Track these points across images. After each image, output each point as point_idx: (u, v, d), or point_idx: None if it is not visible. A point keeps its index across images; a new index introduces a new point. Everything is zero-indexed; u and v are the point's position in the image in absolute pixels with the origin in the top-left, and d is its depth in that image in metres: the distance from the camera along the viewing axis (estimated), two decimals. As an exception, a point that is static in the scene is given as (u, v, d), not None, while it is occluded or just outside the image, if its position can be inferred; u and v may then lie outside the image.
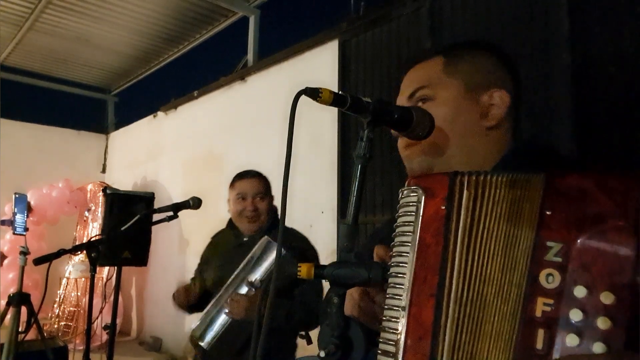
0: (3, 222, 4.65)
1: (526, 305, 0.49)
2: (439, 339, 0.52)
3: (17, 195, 4.12)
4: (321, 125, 3.25)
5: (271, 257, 1.65)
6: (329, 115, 3.19)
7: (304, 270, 0.61)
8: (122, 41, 5.16)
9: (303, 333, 1.79)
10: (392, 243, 0.60)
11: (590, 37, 1.99)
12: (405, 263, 0.57)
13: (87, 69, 6.08)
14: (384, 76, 2.95)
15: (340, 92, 0.63)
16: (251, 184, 1.92)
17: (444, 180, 0.58)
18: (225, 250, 1.96)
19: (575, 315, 0.45)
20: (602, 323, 0.44)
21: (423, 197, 0.58)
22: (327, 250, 3.17)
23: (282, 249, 1.67)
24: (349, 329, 0.60)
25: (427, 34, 2.67)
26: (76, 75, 6.29)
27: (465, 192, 0.56)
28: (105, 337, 3.71)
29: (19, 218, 3.87)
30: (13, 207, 4.03)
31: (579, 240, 0.48)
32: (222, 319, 1.67)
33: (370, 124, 0.65)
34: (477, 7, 2.44)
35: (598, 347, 0.44)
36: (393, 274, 0.58)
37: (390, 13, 2.92)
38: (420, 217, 0.57)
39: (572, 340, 0.45)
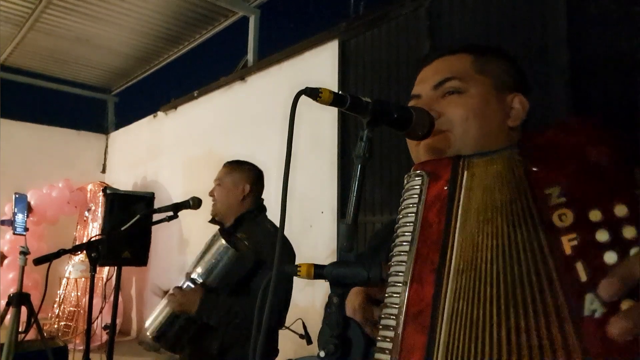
0: (3, 222, 4.65)
1: (553, 249, 0.50)
2: (438, 312, 0.54)
3: (17, 195, 4.13)
4: (321, 125, 3.25)
5: (216, 256, 1.69)
6: (329, 115, 3.19)
7: (304, 270, 0.61)
8: (122, 41, 5.16)
9: (303, 333, 1.79)
10: (396, 225, 0.62)
11: (588, 37, 1.99)
12: (408, 242, 0.59)
13: (87, 69, 6.09)
14: (384, 76, 2.95)
15: (340, 92, 0.63)
16: (219, 172, 1.98)
17: (447, 163, 0.62)
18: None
19: (602, 236, 0.47)
20: (628, 232, 0.46)
21: (427, 180, 0.62)
22: (327, 250, 3.18)
23: (229, 246, 1.67)
24: (348, 329, 0.60)
25: (426, 34, 2.67)
26: (76, 75, 6.29)
27: (465, 173, 0.60)
28: (105, 337, 3.71)
29: (19, 218, 3.88)
30: (13, 207, 4.04)
31: (571, 175, 0.52)
32: (165, 310, 1.71)
33: (370, 124, 0.65)
34: (476, 7, 2.45)
35: (635, 252, 0.46)
36: (395, 253, 0.59)
37: (390, 13, 2.92)
38: (424, 198, 0.61)
39: (609, 257, 0.46)
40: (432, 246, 0.57)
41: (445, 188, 0.60)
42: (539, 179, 0.54)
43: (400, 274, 0.58)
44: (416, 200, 0.61)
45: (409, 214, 0.61)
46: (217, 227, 1.95)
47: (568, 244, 0.49)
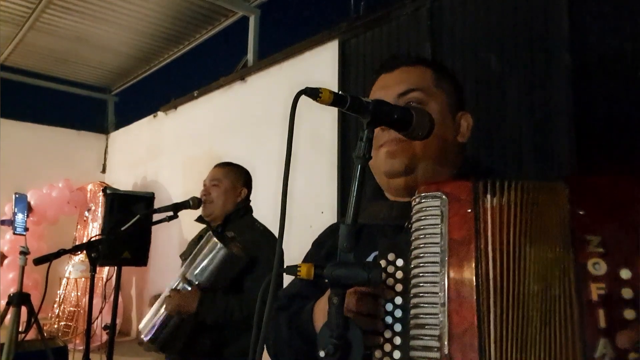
0: (3, 222, 4.65)
1: (580, 291, 0.54)
2: (484, 331, 0.55)
3: (17, 195, 4.12)
4: (321, 125, 3.25)
5: (211, 257, 1.69)
6: (329, 115, 3.19)
7: (304, 270, 0.61)
8: (122, 41, 5.16)
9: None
10: (412, 246, 0.62)
11: (589, 38, 1.99)
12: (435, 262, 0.60)
13: (87, 69, 6.08)
14: (384, 76, 2.94)
15: (340, 92, 0.63)
16: (213, 172, 1.98)
17: (467, 185, 0.63)
18: (192, 243, 1.99)
19: (627, 294, 0.52)
20: None
21: (447, 201, 0.62)
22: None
23: (223, 246, 1.67)
24: (348, 329, 0.60)
25: (426, 34, 2.67)
26: (76, 75, 6.29)
27: (488, 196, 0.61)
28: (105, 337, 3.71)
29: (19, 218, 3.87)
30: (13, 207, 4.04)
31: (613, 229, 0.55)
32: (161, 312, 1.71)
33: (370, 124, 0.65)
34: (477, 7, 2.45)
35: None
36: (421, 274, 0.60)
37: (390, 13, 2.92)
38: (447, 219, 0.61)
39: (629, 314, 0.51)
40: (464, 265, 0.58)
41: (469, 210, 0.61)
42: (583, 223, 0.56)
43: (430, 295, 0.59)
44: (438, 221, 0.62)
45: (432, 234, 0.61)
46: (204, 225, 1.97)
47: (596, 291, 0.53)
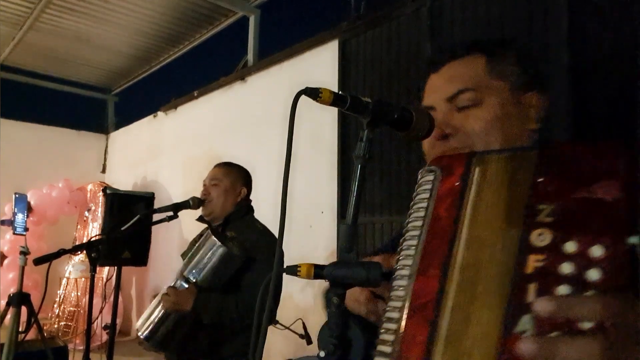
0: (3, 222, 4.65)
1: (518, 264, 0.51)
2: (441, 305, 0.54)
3: (17, 195, 4.12)
4: (321, 125, 3.25)
5: (210, 256, 1.69)
6: (329, 115, 3.19)
7: (304, 270, 0.61)
8: (122, 41, 5.16)
9: (303, 333, 1.79)
10: (407, 219, 0.61)
11: (589, 37, 1.99)
12: (417, 236, 0.59)
13: (87, 69, 6.09)
14: (384, 76, 2.95)
15: (340, 92, 0.63)
16: (212, 172, 1.98)
17: (461, 158, 0.61)
18: (193, 242, 2.00)
19: (566, 268, 0.47)
20: (593, 275, 0.45)
21: (440, 175, 0.61)
22: (327, 250, 3.17)
23: (222, 245, 1.68)
24: (348, 329, 0.60)
25: (427, 34, 2.67)
26: (76, 75, 6.29)
27: (477, 169, 0.59)
28: (105, 337, 3.71)
29: (19, 218, 3.87)
30: (13, 207, 4.04)
31: (569, 200, 0.50)
32: (158, 310, 1.72)
33: (370, 124, 0.65)
34: (477, 7, 2.45)
35: (589, 294, 0.45)
36: (404, 247, 0.59)
37: (390, 13, 2.92)
38: (436, 193, 0.60)
39: (562, 290, 0.46)
40: (440, 240, 0.57)
41: (457, 183, 0.59)
42: (539, 191, 0.53)
43: (407, 267, 0.58)
44: (427, 195, 0.61)
45: (420, 209, 0.61)
46: (205, 225, 1.97)
47: (533, 264, 0.49)
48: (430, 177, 0.62)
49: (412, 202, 0.62)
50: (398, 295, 0.57)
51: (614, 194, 0.48)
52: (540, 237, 0.50)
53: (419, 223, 0.60)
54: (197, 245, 1.78)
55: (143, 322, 1.75)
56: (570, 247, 0.48)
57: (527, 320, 0.47)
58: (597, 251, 0.46)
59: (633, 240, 0.46)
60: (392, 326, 0.55)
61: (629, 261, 0.45)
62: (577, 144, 0.55)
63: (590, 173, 0.51)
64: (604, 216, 0.48)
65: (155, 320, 1.71)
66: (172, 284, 1.74)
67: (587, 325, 0.42)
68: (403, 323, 0.55)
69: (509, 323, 0.48)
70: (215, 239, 1.70)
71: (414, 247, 0.58)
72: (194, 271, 1.71)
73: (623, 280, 0.44)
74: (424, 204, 0.60)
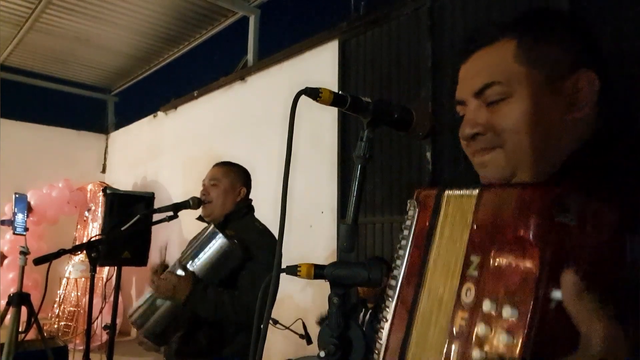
0: (3, 222, 4.65)
1: (452, 319, 0.50)
2: (406, 354, 0.57)
3: (17, 195, 4.12)
4: (321, 125, 3.25)
5: (210, 245, 1.69)
6: (329, 115, 3.19)
7: (304, 270, 0.61)
8: (122, 41, 5.16)
9: (303, 333, 1.79)
10: (398, 245, 0.63)
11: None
12: (396, 277, 0.61)
13: (87, 69, 6.08)
14: (384, 76, 2.95)
15: (340, 92, 0.63)
16: (212, 171, 1.97)
17: (432, 195, 0.61)
18: (192, 240, 2.01)
19: (481, 330, 0.45)
20: (502, 339, 0.43)
21: (417, 212, 0.62)
22: (327, 250, 3.17)
23: (228, 241, 1.67)
24: (348, 329, 0.60)
25: (427, 34, 2.67)
26: (76, 75, 6.29)
27: (442, 210, 0.58)
28: (105, 337, 3.71)
29: (19, 218, 3.87)
30: (13, 207, 4.04)
31: (490, 254, 0.47)
32: (151, 298, 1.71)
33: (370, 124, 0.65)
34: (477, 7, 2.45)
35: None
36: (389, 285, 0.62)
37: (390, 13, 2.92)
38: (413, 233, 0.61)
39: (477, 354, 0.45)
40: (410, 287, 0.59)
41: (427, 223, 0.60)
42: (473, 240, 0.51)
43: (388, 311, 0.60)
44: (407, 233, 0.62)
45: (402, 247, 0.62)
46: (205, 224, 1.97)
47: (459, 321, 0.48)
48: (411, 213, 0.63)
49: (400, 236, 0.63)
50: (380, 338, 0.60)
51: (528, 249, 0.44)
52: (467, 293, 0.49)
53: (400, 263, 0.61)
54: (198, 235, 1.79)
55: (136, 308, 1.73)
56: (487, 306, 0.45)
57: None
58: (507, 312, 0.43)
59: (556, 295, 0.42)
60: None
61: (553, 320, 0.42)
62: (507, 187, 0.53)
63: (508, 224, 0.46)
64: (519, 274, 0.44)
65: (148, 308, 1.70)
66: (170, 270, 1.74)
67: None
68: (388, 324, 0.59)
69: None
70: (216, 229, 1.70)
71: (393, 291, 0.61)
72: (192, 259, 1.70)
73: (530, 347, 0.41)
74: (405, 242, 0.62)
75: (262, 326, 0.62)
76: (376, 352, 0.59)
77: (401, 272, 0.60)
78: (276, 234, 0.65)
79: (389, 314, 0.59)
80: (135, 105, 6.78)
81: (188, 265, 1.70)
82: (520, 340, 0.41)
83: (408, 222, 0.62)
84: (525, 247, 0.44)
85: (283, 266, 0.64)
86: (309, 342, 1.74)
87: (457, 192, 0.57)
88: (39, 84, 6.26)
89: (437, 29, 2.63)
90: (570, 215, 0.43)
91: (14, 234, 3.91)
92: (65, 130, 6.51)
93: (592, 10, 2.00)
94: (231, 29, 4.72)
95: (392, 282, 0.60)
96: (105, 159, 6.75)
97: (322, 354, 0.58)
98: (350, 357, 0.59)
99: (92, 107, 6.97)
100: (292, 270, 0.61)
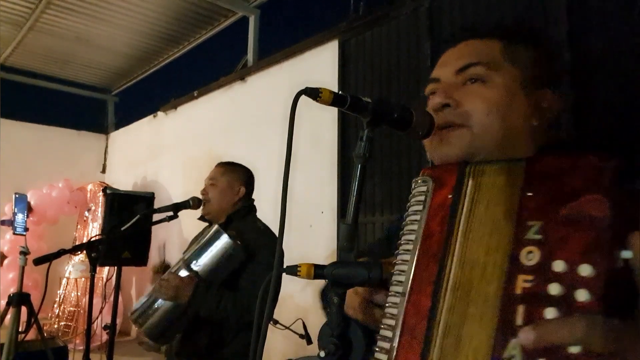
0: (3, 222, 4.65)
1: (507, 284, 0.49)
2: (433, 324, 0.53)
3: (17, 195, 4.12)
4: (321, 125, 3.25)
5: (214, 246, 1.69)
6: (329, 115, 3.19)
7: (304, 270, 0.61)
8: (122, 41, 5.16)
9: (303, 333, 1.79)
10: (401, 232, 0.60)
11: (589, 36, 1.99)
12: (409, 250, 0.58)
13: (87, 69, 6.09)
14: (384, 76, 2.95)
15: (340, 92, 0.63)
16: (212, 171, 1.98)
17: (453, 169, 0.59)
18: (194, 239, 2.01)
19: (554, 289, 0.45)
20: (581, 295, 0.43)
21: (432, 187, 0.60)
22: (327, 250, 3.17)
23: (232, 241, 1.68)
24: (348, 329, 0.60)
25: (426, 34, 2.67)
26: (76, 75, 6.29)
27: (470, 181, 0.57)
28: (105, 337, 3.71)
29: (19, 218, 3.87)
30: (13, 207, 4.04)
31: (557, 216, 0.48)
32: (152, 298, 1.71)
33: (370, 124, 0.65)
34: (476, 7, 2.45)
35: (575, 317, 0.43)
36: (398, 261, 0.59)
37: (390, 13, 2.92)
38: (428, 207, 0.59)
39: (550, 313, 0.45)
40: (432, 257, 0.56)
41: (450, 196, 0.57)
42: (528, 207, 0.51)
43: (400, 284, 0.57)
44: (421, 207, 0.59)
45: (413, 222, 0.59)
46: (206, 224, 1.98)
47: (521, 284, 0.48)
48: (423, 188, 0.60)
49: (406, 214, 0.61)
50: (392, 313, 0.56)
51: (602, 209, 0.46)
52: (529, 256, 0.48)
53: (412, 237, 0.58)
54: (201, 236, 1.79)
55: (137, 307, 1.74)
56: (558, 266, 0.46)
57: (514, 345, 0.46)
58: (585, 270, 0.44)
59: (626, 254, 0.44)
60: (386, 345, 0.55)
61: (624, 278, 0.44)
62: (563, 155, 0.53)
63: (577, 187, 0.49)
64: (593, 232, 0.45)
65: (150, 307, 1.71)
66: (174, 270, 1.74)
67: (574, 349, 0.41)
68: (395, 343, 0.54)
69: (498, 347, 0.47)
70: (219, 228, 1.71)
71: (406, 263, 0.57)
72: (195, 260, 1.71)
73: (615, 300, 0.42)
74: (417, 217, 0.59)
75: (262, 326, 0.62)
76: (384, 326, 0.56)
77: (416, 247, 0.57)
78: (276, 234, 0.65)
79: (401, 286, 0.56)
80: (135, 105, 6.78)
81: (192, 265, 1.70)
82: (598, 296, 0.43)
83: (419, 198, 0.60)
84: (597, 210, 0.46)
85: (283, 266, 0.64)
86: (309, 342, 1.74)
87: (489, 164, 0.57)
88: (39, 84, 6.26)
89: (436, 28, 2.63)
90: (638, 182, 0.48)
91: (14, 234, 3.91)
92: (65, 130, 6.51)
93: (590, 9, 2.00)
94: (231, 29, 4.73)
95: (404, 257, 0.58)
96: (105, 159, 6.75)
97: (322, 353, 0.58)
98: (350, 357, 0.59)
99: (92, 107, 6.97)
100: (292, 270, 0.61)
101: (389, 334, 0.55)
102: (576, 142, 0.84)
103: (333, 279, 0.60)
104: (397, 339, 0.54)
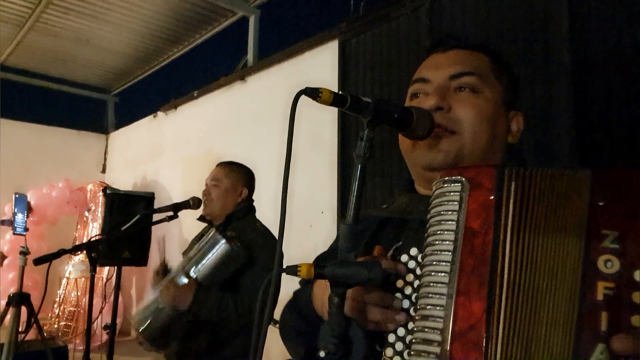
0: (3, 222, 4.65)
1: (585, 290, 0.49)
2: (492, 328, 0.52)
3: (17, 195, 4.13)
4: (321, 125, 3.25)
5: (212, 252, 1.69)
6: (329, 115, 3.19)
7: (304, 270, 0.61)
8: (122, 41, 5.16)
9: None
10: (427, 233, 0.59)
11: (590, 36, 1.99)
12: (449, 251, 0.56)
13: (87, 69, 6.08)
14: (384, 76, 2.95)
15: (340, 92, 0.63)
16: (214, 171, 1.98)
17: (490, 171, 0.58)
18: (194, 240, 2.00)
19: (638, 298, 0.46)
20: None
21: (468, 187, 0.58)
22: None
23: (231, 246, 1.68)
24: (349, 328, 0.60)
25: (426, 35, 2.67)
26: (76, 75, 6.29)
27: (513, 183, 0.56)
28: (105, 337, 3.71)
29: (19, 218, 3.87)
30: (13, 207, 4.04)
31: (635, 227, 0.49)
32: (154, 304, 1.71)
33: (370, 124, 0.65)
34: (477, 7, 2.44)
35: None
36: (434, 262, 0.57)
37: (390, 13, 2.92)
38: (466, 206, 0.57)
39: (637, 320, 0.46)
40: (479, 257, 0.54)
41: (492, 197, 0.56)
42: (601, 216, 0.52)
43: (440, 285, 0.55)
44: (455, 207, 0.57)
45: (447, 221, 0.57)
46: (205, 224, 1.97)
47: (602, 291, 0.48)
48: (457, 188, 0.58)
49: (433, 213, 0.59)
50: (436, 315, 0.54)
51: None
52: (608, 264, 0.49)
53: (448, 237, 0.56)
54: (200, 241, 1.79)
55: (139, 313, 1.75)
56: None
57: (601, 349, 0.47)
58: None
59: None
60: (435, 349, 0.53)
61: None
62: (629, 169, 0.54)
63: None
64: None
65: (151, 313, 1.71)
66: (172, 277, 1.74)
67: None
68: (448, 346, 0.52)
69: (582, 351, 0.48)
70: (219, 236, 1.70)
71: (447, 263, 0.55)
72: (195, 267, 1.71)
73: None
74: (453, 217, 0.57)
75: (262, 326, 0.62)
76: (428, 329, 0.54)
77: (458, 247, 0.56)
78: (276, 234, 0.65)
79: (445, 288, 0.54)
80: (135, 105, 6.77)
81: (191, 272, 1.70)
82: None
83: (453, 197, 0.58)
84: None
85: (283, 266, 0.64)
86: (309, 342, 1.74)
87: (539, 169, 0.57)
88: (39, 84, 6.26)
89: (437, 29, 2.63)
90: None
91: (14, 234, 3.91)
92: (65, 130, 6.50)
93: (592, 9, 2.00)
94: (231, 29, 4.72)
95: (441, 257, 0.56)
96: (105, 159, 6.75)
97: (322, 353, 0.58)
98: (350, 357, 0.59)
99: (92, 107, 6.96)
100: (292, 270, 0.61)
101: (436, 337, 0.54)
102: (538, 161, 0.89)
103: (333, 279, 0.60)
104: (448, 343, 0.53)
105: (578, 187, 0.54)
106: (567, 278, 0.51)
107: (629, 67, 1.86)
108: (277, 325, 1.75)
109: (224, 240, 1.68)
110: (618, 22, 1.91)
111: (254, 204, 2.03)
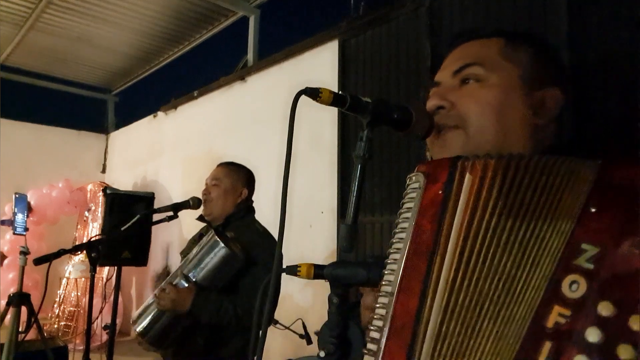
0: (3, 222, 4.66)
1: (540, 311, 0.42)
2: (420, 328, 0.48)
3: (17, 195, 4.13)
4: (321, 125, 3.25)
5: (211, 256, 1.69)
6: (329, 115, 3.19)
7: (304, 270, 0.61)
8: (122, 41, 5.16)
9: (303, 333, 1.79)
10: (394, 230, 0.58)
11: (589, 38, 1.99)
12: (399, 249, 0.54)
13: (87, 69, 6.08)
14: (384, 76, 2.95)
15: (340, 92, 0.63)
16: (214, 171, 1.97)
17: (444, 164, 0.55)
18: (192, 240, 2.00)
19: (592, 335, 0.38)
20: (624, 352, 0.36)
21: (424, 183, 0.56)
22: (327, 250, 3.17)
23: (230, 250, 1.68)
24: (348, 329, 0.60)
25: (426, 34, 2.67)
26: (76, 75, 6.29)
27: (468, 175, 0.52)
28: (105, 337, 3.71)
29: (19, 218, 3.87)
30: (13, 207, 4.04)
31: (619, 247, 0.40)
32: (153, 307, 1.71)
33: (370, 124, 0.65)
34: (477, 7, 2.45)
35: None
36: (389, 260, 0.55)
37: (390, 13, 2.92)
38: (419, 203, 0.55)
39: None
40: (421, 255, 0.51)
41: (440, 192, 0.53)
42: (588, 225, 0.42)
43: (389, 283, 0.53)
44: (412, 204, 0.56)
45: (405, 219, 0.56)
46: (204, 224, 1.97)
47: (555, 317, 0.41)
48: (416, 185, 0.57)
49: (399, 211, 0.58)
50: (380, 314, 0.52)
51: None
52: (573, 286, 0.41)
53: (403, 235, 0.55)
54: (199, 244, 1.78)
55: (139, 316, 1.75)
56: (605, 309, 0.38)
57: None
58: (635, 323, 0.36)
59: None
60: (373, 347, 0.52)
61: None
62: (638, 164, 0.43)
63: None
64: None
65: (151, 316, 1.71)
66: (171, 281, 1.74)
67: None
68: (382, 345, 0.50)
69: None
70: (218, 239, 1.70)
71: (397, 262, 0.54)
72: (194, 270, 1.71)
73: None
74: (409, 214, 0.56)
75: (261, 326, 0.62)
76: (373, 327, 0.52)
77: (406, 245, 0.53)
78: (276, 234, 0.65)
79: (390, 286, 0.52)
80: (135, 105, 6.78)
81: (190, 275, 1.70)
82: None
83: (412, 195, 0.57)
84: None
85: (283, 266, 0.64)
86: (309, 342, 1.74)
87: (527, 160, 0.49)
88: (39, 84, 6.26)
89: (436, 28, 2.63)
90: None
91: (14, 234, 3.91)
92: (65, 130, 6.50)
93: (590, 10, 2.00)
94: (231, 29, 4.73)
95: (395, 256, 0.54)
96: (105, 159, 6.75)
97: (322, 353, 0.58)
98: (349, 357, 0.59)
99: (92, 107, 6.97)
100: (292, 270, 0.61)
101: (376, 335, 0.52)
102: (577, 143, 0.81)
103: (333, 279, 0.60)
104: (383, 341, 0.51)
105: (576, 184, 0.45)
106: (528, 293, 0.44)
107: (628, 69, 1.86)
108: (278, 325, 1.75)
109: (222, 244, 1.68)
110: (617, 22, 1.91)
111: (254, 204, 2.03)
